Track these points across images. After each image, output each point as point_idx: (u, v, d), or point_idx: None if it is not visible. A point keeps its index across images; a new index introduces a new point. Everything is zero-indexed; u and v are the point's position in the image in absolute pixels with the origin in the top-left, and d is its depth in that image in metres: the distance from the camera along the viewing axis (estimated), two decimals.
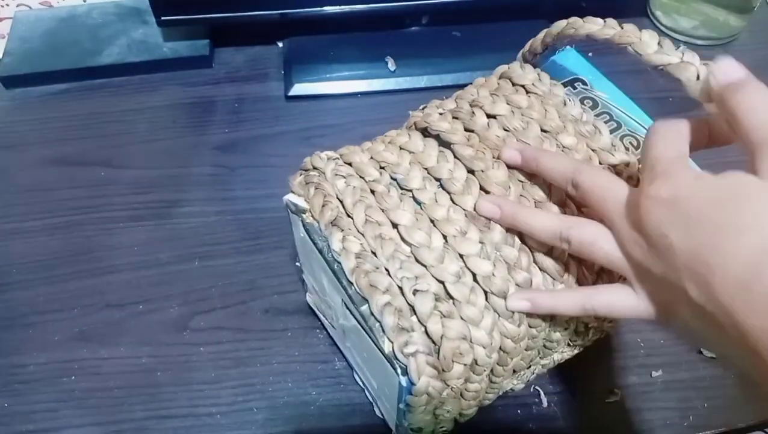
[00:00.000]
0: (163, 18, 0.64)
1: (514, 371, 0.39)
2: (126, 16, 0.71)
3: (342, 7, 0.64)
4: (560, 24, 0.39)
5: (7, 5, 0.72)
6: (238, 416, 0.46)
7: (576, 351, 0.43)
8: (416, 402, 0.33)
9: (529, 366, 0.41)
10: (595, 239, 0.31)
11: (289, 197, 0.38)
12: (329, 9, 0.64)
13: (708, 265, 0.26)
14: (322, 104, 0.66)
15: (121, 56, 0.68)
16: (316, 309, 0.49)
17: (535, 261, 0.34)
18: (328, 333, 0.49)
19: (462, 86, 0.43)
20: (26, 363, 0.48)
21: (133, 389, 0.47)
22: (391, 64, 0.67)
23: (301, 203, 0.37)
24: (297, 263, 0.46)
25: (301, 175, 0.38)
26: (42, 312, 0.51)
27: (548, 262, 0.34)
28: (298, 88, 0.65)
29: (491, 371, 0.36)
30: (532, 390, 0.46)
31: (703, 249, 0.26)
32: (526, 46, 0.42)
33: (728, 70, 0.29)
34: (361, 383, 0.46)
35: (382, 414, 0.44)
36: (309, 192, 0.37)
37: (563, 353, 0.43)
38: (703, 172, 0.28)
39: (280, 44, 0.71)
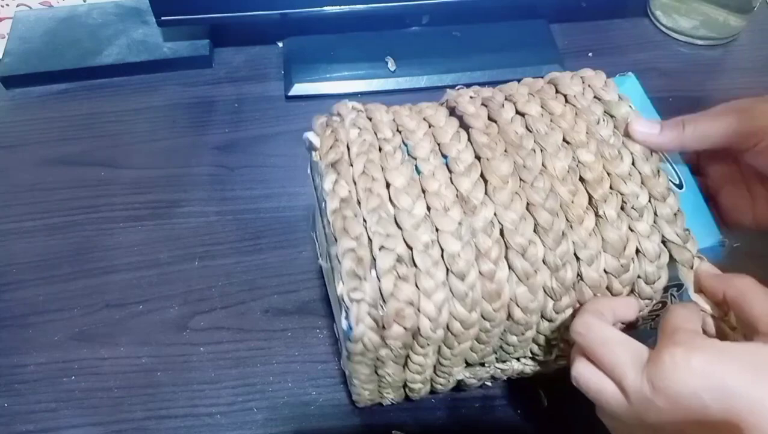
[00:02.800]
0: (163, 18, 0.64)
1: (468, 364, 0.40)
2: (126, 16, 0.71)
3: (342, 7, 0.64)
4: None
5: (7, 5, 0.72)
6: (238, 416, 0.46)
7: (539, 368, 0.43)
8: (353, 349, 0.34)
9: (483, 363, 0.41)
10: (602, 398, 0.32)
11: (309, 134, 0.39)
12: (329, 9, 0.64)
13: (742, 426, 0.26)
14: (322, 104, 0.65)
15: (121, 56, 0.68)
16: (317, 243, 0.49)
17: (506, 257, 0.34)
18: (328, 333, 0.49)
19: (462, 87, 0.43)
20: (26, 363, 0.48)
21: (133, 389, 0.47)
22: (391, 64, 0.67)
23: (316, 141, 0.39)
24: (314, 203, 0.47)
25: (325, 117, 0.40)
26: (42, 312, 0.51)
27: (519, 261, 0.34)
28: (298, 88, 0.65)
29: (439, 351, 0.37)
30: (532, 390, 0.46)
31: (738, 414, 0.26)
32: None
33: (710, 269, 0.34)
34: (336, 331, 0.47)
35: (344, 367, 0.45)
36: (324, 133, 0.38)
37: (525, 365, 0.42)
38: (726, 342, 0.29)
39: (280, 44, 0.71)
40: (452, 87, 0.42)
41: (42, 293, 0.52)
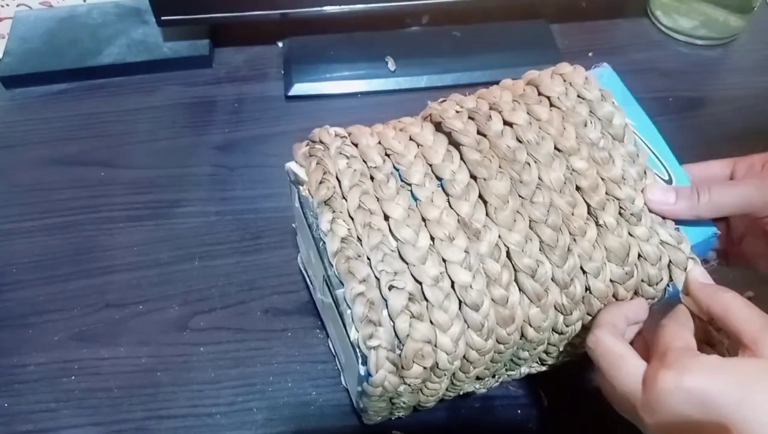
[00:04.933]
0: (163, 18, 0.64)
1: (478, 378, 0.39)
2: (126, 16, 0.71)
3: (342, 7, 0.64)
4: None
5: (7, 5, 0.72)
6: (238, 416, 0.46)
7: (544, 368, 0.43)
8: (372, 391, 0.33)
9: (494, 376, 0.41)
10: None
11: (291, 165, 0.38)
12: (329, 9, 0.64)
13: None
14: (322, 104, 0.66)
15: (121, 56, 0.68)
16: (302, 269, 0.49)
17: (516, 280, 0.34)
18: (328, 334, 0.49)
19: (462, 86, 0.42)
20: (26, 363, 0.48)
21: (133, 389, 0.47)
22: (391, 64, 0.67)
23: (301, 173, 0.37)
24: (293, 225, 0.46)
25: (307, 146, 0.38)
26: (42, 312, 0.51)
27: (529, 283, 0.34)
28: (298, 88, 0.65)
29: (453, 375, 0.36)
30: (532, 390, 0.46)
31: (732, 427, 0.28)
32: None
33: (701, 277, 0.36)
34: (333, 351, 0.47)
35: (346, 385, 0.45)
36: (310, 165, 0.36)
37: (531, 367, 0.43)
38: (713, 357, 0.30)
39: (280, 44, 0.71)
40: (451, 87, 0.42)
41: (42, 293, 0.52)
